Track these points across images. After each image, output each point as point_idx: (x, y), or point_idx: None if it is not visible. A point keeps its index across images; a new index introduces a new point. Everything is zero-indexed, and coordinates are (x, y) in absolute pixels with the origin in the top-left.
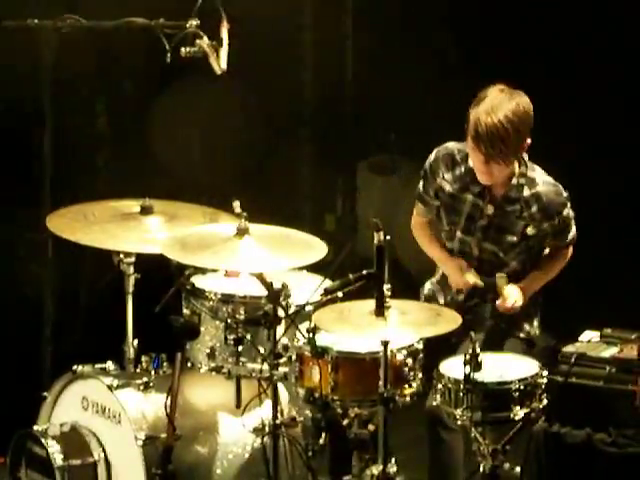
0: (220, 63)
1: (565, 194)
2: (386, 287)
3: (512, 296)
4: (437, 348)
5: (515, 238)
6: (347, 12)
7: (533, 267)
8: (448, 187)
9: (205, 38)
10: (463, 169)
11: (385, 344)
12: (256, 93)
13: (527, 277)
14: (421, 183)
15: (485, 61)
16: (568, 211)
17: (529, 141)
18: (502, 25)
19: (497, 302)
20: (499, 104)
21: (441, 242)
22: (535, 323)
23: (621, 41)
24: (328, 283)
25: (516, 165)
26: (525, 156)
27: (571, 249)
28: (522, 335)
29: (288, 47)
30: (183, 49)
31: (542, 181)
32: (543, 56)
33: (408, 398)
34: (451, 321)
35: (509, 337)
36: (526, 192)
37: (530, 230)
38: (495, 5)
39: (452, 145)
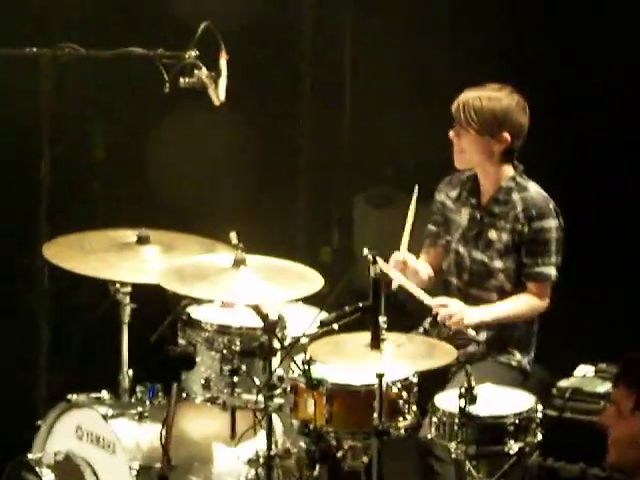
0: (218, 94)
1: (553, 207)
2: (382, 320)
3: (449, 303)
4: (430, 377)
5: (501, 242)
6: (346, 43)
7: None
8: (449, 202)
9: (204, 69)
10: (464, 189)
11: (380, 377)
12: (253, 124)
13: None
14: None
15: None
16: (551, 227)
17: (507, 137)
18: (501, 58)
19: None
20: (487, 90)
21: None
22: (529, 355)
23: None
24: (324, 315)
25: (509, 170)
26: (520, 167)
27: (547, 294)
28: (513, 364)
29: (286, 79)
30: (182, 79)
31: (534, 189)
32: (538, 85)
33: (402, 431)
34: (447, 354)
35: (498, 364)
36: (515, 196)
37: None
38: (493, 37)
39: (457, 173)
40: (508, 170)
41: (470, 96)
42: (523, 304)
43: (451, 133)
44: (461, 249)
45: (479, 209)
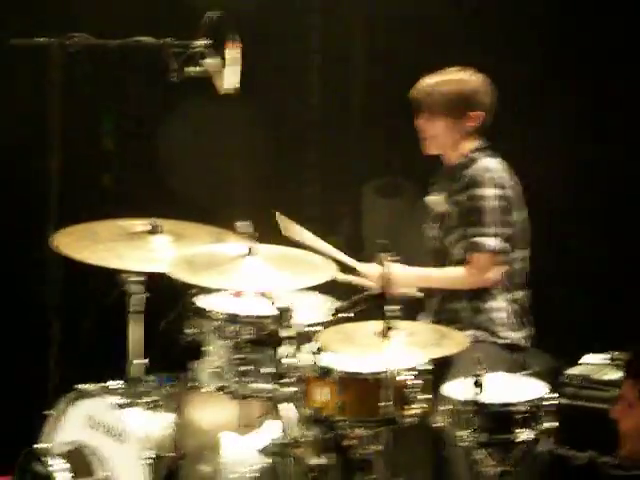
0: (224, 83)
1: (494, 177)
2: (392, 308)
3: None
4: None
5: (451, 217)
6: (356, 32)
7: None
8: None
9: (210, 58)
10: (439, 173)
11: (390, 365)
12: (262, 115)
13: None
14: None
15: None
16: (484, 194)
17: (479, 114)
18: (508, 58)
19: None
20: (449, 73)
21: None
22: (522, 332)
23: None
24: (336, 303)
25: (468, 146)
26: (485, 143)
27: (486, 267)
28: (500, 342)
29: (295, 69)
30: (187, 69)
31: (484, 162)
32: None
33: (413, 418)
34: (457, 342)
35: (484, 342)
36: (466, 172)
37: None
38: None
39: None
40: (467, 146)
41: (433, 81)
42: (447, 274)
43: (420, 121)
44: (430, 233)
45: (446, 191)
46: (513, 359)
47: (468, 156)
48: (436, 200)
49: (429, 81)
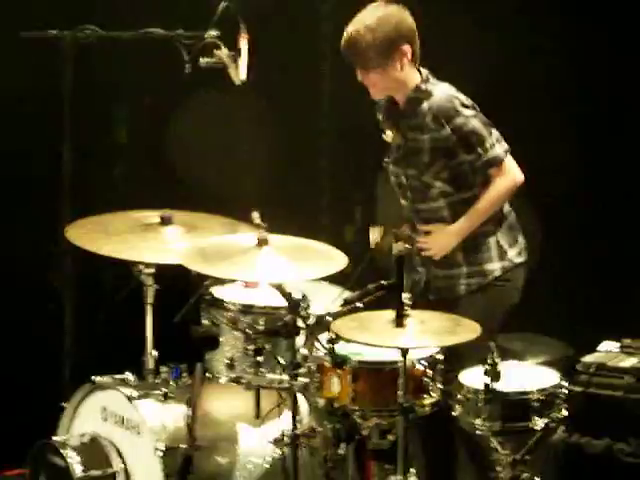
0: (239, 74)
1: (459, 102)
2: (406, 297)
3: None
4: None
5: (425, 153)
6: None
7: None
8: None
9: (224, 49)
10: (386, 109)
11: (404, 354)
12: (275, 104)
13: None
14: None
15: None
16: (465, 121)
17: (406, 48)
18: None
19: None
20: (362, 17)
21: None
22: (516, 247)
23: None
24: (348, 293)
25: (415, 79)
26: (426, 71)
27: (510, 170)
28: (497, 280)
29: (307, 58)
30: (202, 60)
31: (440, 91)
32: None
33: (427, 408)
34: (471, 330)
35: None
36: (424, 105)
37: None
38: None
39: None
40: (414, 79)
41: (353, 36)
42: (493, 192)
43: (359, 77)
44: (396, 169)
45: (398, 126)
46: (508, 287)
47: (419, 89)
48: (393, 137)
49: (347, 35)
